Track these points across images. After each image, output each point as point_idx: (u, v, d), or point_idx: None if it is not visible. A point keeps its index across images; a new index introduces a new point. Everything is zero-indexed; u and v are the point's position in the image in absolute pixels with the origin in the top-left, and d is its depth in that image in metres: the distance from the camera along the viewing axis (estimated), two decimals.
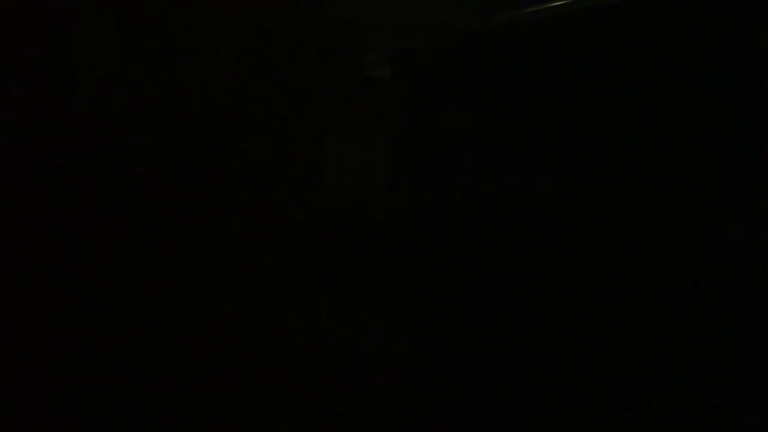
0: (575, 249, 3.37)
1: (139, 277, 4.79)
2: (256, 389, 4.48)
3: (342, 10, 5.21)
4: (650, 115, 3.16)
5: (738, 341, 2.68)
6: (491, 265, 3.91)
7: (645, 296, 3.06)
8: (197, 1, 5.23)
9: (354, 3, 5.20)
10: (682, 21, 3.10)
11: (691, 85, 3.03)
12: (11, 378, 4.31)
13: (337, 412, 4.22)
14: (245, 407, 4.45)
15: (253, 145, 5.03)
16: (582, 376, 3.26)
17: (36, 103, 5.03)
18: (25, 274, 4.74)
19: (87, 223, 4.84)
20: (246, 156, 5.03)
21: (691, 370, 2.83)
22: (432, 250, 4.34)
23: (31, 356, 4.43)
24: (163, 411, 4.34)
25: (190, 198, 5.02)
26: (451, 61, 4.38)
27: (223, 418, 4.34)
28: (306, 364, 4.53)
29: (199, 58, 5.20)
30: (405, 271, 4.41)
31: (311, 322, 4.57)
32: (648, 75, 3.18)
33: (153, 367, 4.52)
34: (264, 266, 4.75)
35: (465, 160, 4.26)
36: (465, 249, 4.10)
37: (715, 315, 2.76)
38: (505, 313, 3.67)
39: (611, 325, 3.19)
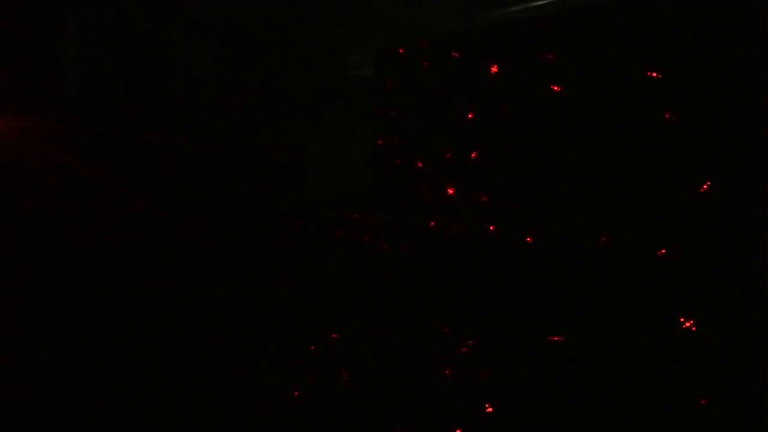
0: (577, 245, 3.38)
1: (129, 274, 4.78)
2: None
3: (326, 10, 5.23)
4: (637, 111, 3.19)
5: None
6: (480, 260, 3.93)
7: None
8: (182, 1, 5.23)
9: (338, 3, 5.22)
10: (662, 21, 3.14)
11: (673, 85, 3.07)
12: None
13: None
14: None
15: (236, 143, 5.02)
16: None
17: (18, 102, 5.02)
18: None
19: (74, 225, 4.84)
20: (230, 154, 5.03)
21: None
22: (412, 241, 4.36)
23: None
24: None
25: (172, 196, 5.01)
26: (434, 59, 4.40)
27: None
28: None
29: (184, 58, 5.20)
30: (387, 266, 4.42)
31: (298, 316, 4.57)
32: (630, 73, 3.22)
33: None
34: (251, 262, 4.74)
35: (447, 156, 4.27)
36: (449, 242, 4.12)
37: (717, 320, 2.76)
38: (495, 309, 3.69)
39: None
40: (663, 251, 2.95)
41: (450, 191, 4.02)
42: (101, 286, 4.82)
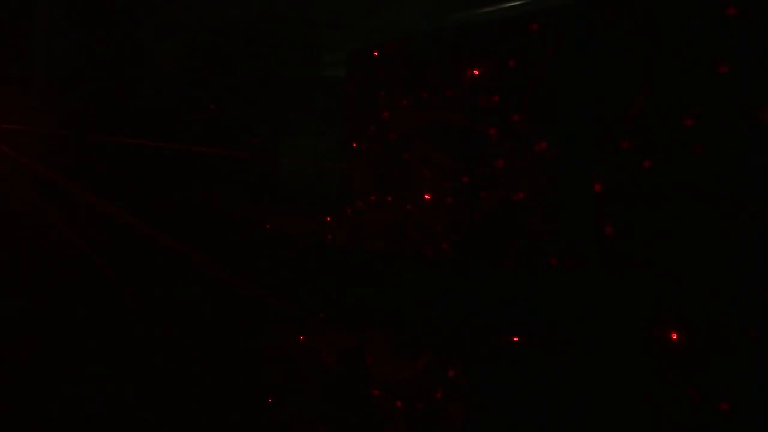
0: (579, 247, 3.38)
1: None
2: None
3: (298, 10, 5.21)
4: (607, 110, 3.19)
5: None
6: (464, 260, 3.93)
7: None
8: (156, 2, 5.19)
9: (310, 3, 5.20)
10: (629, 22, 3.16)
11: (641, 84, 3.08)
12: None
13: None
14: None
15: (210, 142, 5.00)
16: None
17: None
18: None
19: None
20: (203, 153, 5.01)
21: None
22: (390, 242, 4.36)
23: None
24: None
25: (144, 196, 4.98)
26: (405, 60, 4.40)
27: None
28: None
29: (157, 58, 5.17)
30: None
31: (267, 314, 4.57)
32: (599, 72, 3.23)
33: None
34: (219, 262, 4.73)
35: (417, 156, 4.28)
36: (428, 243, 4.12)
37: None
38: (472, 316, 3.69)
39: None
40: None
41: (426, 197, 4.01)
42: (73, 289, 4.81)
